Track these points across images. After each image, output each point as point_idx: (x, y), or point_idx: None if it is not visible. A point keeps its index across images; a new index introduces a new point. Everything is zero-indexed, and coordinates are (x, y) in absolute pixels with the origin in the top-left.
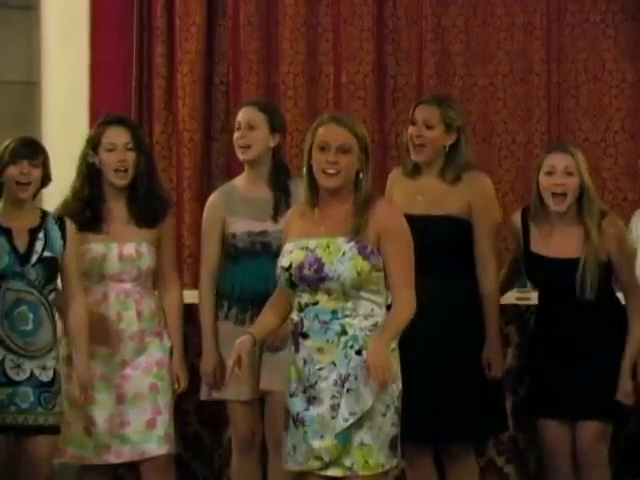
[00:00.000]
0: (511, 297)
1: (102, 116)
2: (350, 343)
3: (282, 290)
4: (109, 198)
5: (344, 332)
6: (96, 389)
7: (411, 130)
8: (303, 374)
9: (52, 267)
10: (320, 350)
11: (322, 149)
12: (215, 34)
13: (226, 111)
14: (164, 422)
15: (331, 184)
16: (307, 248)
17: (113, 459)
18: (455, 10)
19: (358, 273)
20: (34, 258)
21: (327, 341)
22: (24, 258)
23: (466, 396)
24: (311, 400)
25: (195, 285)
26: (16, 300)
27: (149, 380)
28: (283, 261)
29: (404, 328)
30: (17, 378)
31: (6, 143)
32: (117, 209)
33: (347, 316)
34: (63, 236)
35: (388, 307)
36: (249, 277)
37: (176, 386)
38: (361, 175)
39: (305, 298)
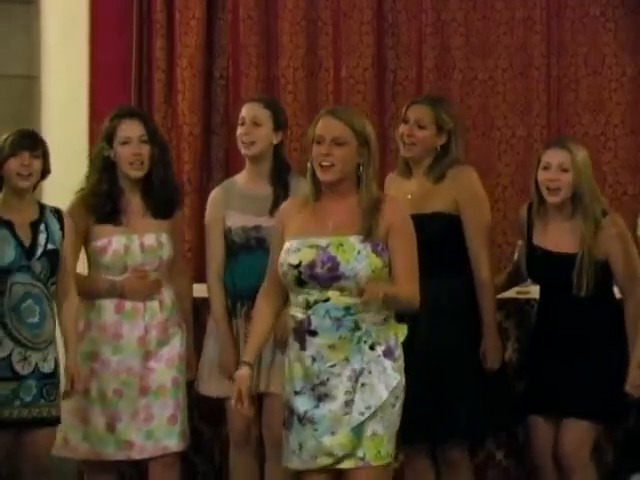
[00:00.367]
0: (511, 291)
1: (115, 109)
2: (364, 338)
3: (275, 286)
4: (125, 190)
5: (357, 327)
6: (124, 384)
7: (402, 129)
8: (311, 372)
9: (55, 260)
10: (332, 347)
11: (318, 142)
12: (215, 28)
13: (226, 105)
14: (184, 418)
15: (327, 177)
16: (317, 246)
17: (136, 455)
18: (455, 4)
19: (373, 271)
20: (39, 251)
21: (340, 337)
22: (29, 251)
23: (463, 395)
24: (321, 397)
25: (195, 278)
26: (23, 294)
27: (172, 374)
28: (290, 259)
29: (401, 305)
30: (23, 372)
31: (5, 136)
32: (134, 201)
33: (360, 312)
34: (61, 229)
35: None
36: (246, 272)
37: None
38: (361, 169)
39: (314, 295)
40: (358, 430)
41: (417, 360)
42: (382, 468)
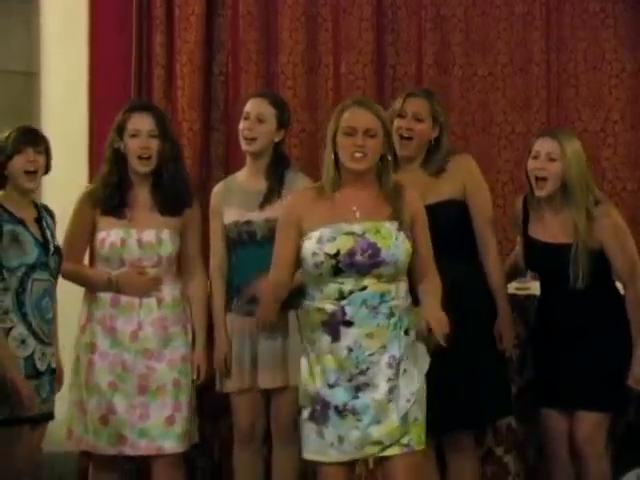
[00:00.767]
0: (510, 287)
1: (129, 102)
2: (399, 324)
3: (284, 276)
4: (135, 184)
5: (392, 314)
6: (120, 378)
7: (399, 123)
8: (348, 363)
9: (61, 255)
10: (369, 335)
11: (348, 134)
12: (214, 24)
13: (225, 101)
14: (183, 420)
15: (360, 166)
16: (353, 233)
17: (128, 451)
18: (454, 0)
19: (407, 256)
20: (52, 247)
21: (377, 325)
22: (46, 248)
23: (470, 382)
24: (361, 387)
25: None
26: (43, 291)
27: (174, 375)
28: (327, 248)
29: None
30: (42, 368)
31: (6, 134)
32: (142, 196)
33: (393, 298)
34: (54, 225)
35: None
36: (241, 267)
37: (195, 377)
38: (386, 158)
39: (349, 285)
40: (405, 417)
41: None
42: (421, 453)
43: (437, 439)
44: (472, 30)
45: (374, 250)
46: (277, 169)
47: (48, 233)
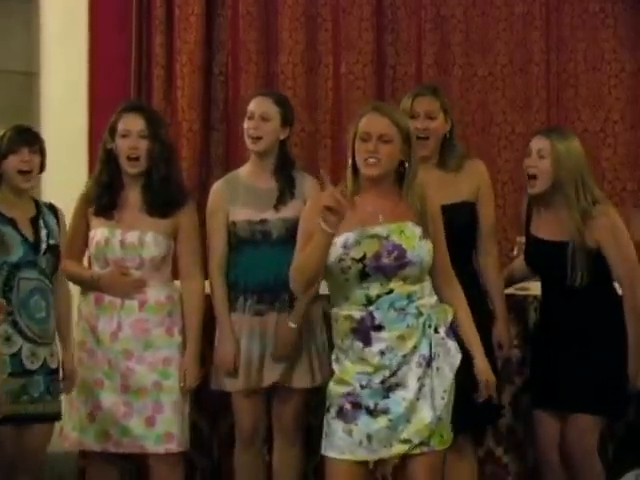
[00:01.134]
0: (510, 287)
1: (122, 102)
2: (428, 323)
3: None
4: (126, 185)
5: (420, 313)
6: (106, 374)
7: (413, 124)
8: (381, 366)
9: (57, 255)
10: (401, 337)
11: (363, 139)
12: (214, 24)
13: (225, 101)
14: (165, 421)
15: (372, 172)
16: (378, 236)
17: (112, 448)
18: (454, 0)
19: (431, 257)
20: (43, 247)
21: (407, 326)
22: (35, 247)
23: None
24: (392, 388)
25: None
26: (31, 289)
27: (154, 377)
28: (353, 252)
29: None
30: (32, 367)
31: (0, 134)
32: (132, 196)
33: (420, 298)
34: (58, 224)
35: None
36: (252, 267)
37: (182, 384)
38: (406, 165)
39: (376, 289)
40: (439, 416)
41: None
42: (442, 453)
43: None
44: (472, 30)
45: (400, 252)
46: (284, 168)
47: (44, 232)
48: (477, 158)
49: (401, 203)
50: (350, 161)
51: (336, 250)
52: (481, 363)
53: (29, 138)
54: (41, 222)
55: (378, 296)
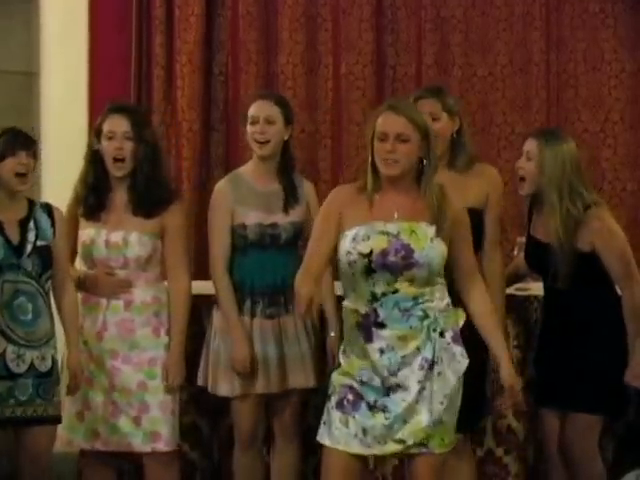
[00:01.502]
0: (510, 288)
1: (108, 104)
2: (433, 326)
3: (317, 271)
4: (113, 186)
5: (426, 316)
6: (94, 373)
7: None
8: (380, 364)
9: (46, 256)
10: (402, 338)
11: (381, 139)
12: (214, 24)
13: (225, 101)
14: (151, 421)
15: (391, 172)
16: (388, 233)
17: (101, 446)
18: (454, 0)
19: (443, 259)
20: (28, 248)
21: (410, 328)
22: (18, 249)
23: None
24: (392, 388)
25: (196, 276)
26: (15, 291)
27: (139, 377)
28: (360, 247)
29: None
30: (17, 370)
31: None
32: (119, 197)
33: (427, 300)
34: (53, 224)
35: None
36: (260, 270)
37: (164, 382)
38: (424, 163)
39: (381, 287)
40: (437, 420)
41: None
42: (443, 456)
43: None
44: (472, 30)
45: (407, 251)
46: (287, 170)
47: (31, 234)
48: (487, 163)
49: (419, 201)
50: (370, 160)
51: (345, 243)
52: (506, 368)
53: (26, 141)
54: (31, 223)
55: (383, 294)
